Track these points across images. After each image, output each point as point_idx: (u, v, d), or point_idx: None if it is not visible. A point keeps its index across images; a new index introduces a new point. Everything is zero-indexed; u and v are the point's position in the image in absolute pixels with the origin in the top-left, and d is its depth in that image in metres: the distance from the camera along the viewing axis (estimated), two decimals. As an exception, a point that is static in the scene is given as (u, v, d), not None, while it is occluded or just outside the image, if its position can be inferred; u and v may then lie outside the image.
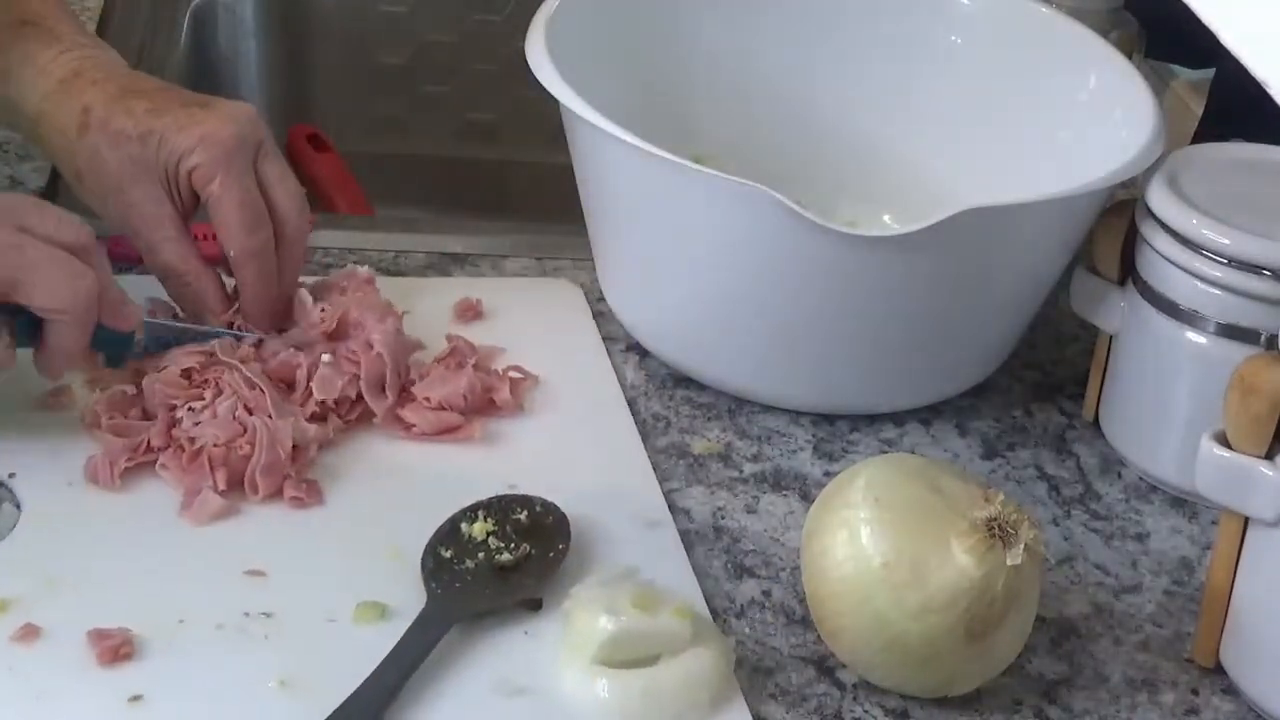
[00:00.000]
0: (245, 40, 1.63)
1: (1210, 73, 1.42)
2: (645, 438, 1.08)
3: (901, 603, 0.88)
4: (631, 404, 1.11)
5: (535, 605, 0.94)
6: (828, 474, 1.07)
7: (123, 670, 0.88)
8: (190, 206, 1.06)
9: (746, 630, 0.96)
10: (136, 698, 0.86)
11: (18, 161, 1.18)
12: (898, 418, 1.13)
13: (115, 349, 1.02)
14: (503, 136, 1.69)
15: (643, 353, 1.16)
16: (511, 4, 1.64)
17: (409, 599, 0.92)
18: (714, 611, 0.96)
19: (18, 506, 0.97)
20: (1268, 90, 0.67)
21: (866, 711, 0.92)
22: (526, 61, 1.10)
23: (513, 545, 0.95)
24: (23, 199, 0.99)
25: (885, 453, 1.10)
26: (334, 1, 1.66)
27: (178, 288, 1.06)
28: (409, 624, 0.90)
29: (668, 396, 1.13)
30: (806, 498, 1.05)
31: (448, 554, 0.95)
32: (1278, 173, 1.09)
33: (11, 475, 0.98)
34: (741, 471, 1.08)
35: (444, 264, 1.22)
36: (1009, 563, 0.88)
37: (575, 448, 1.07)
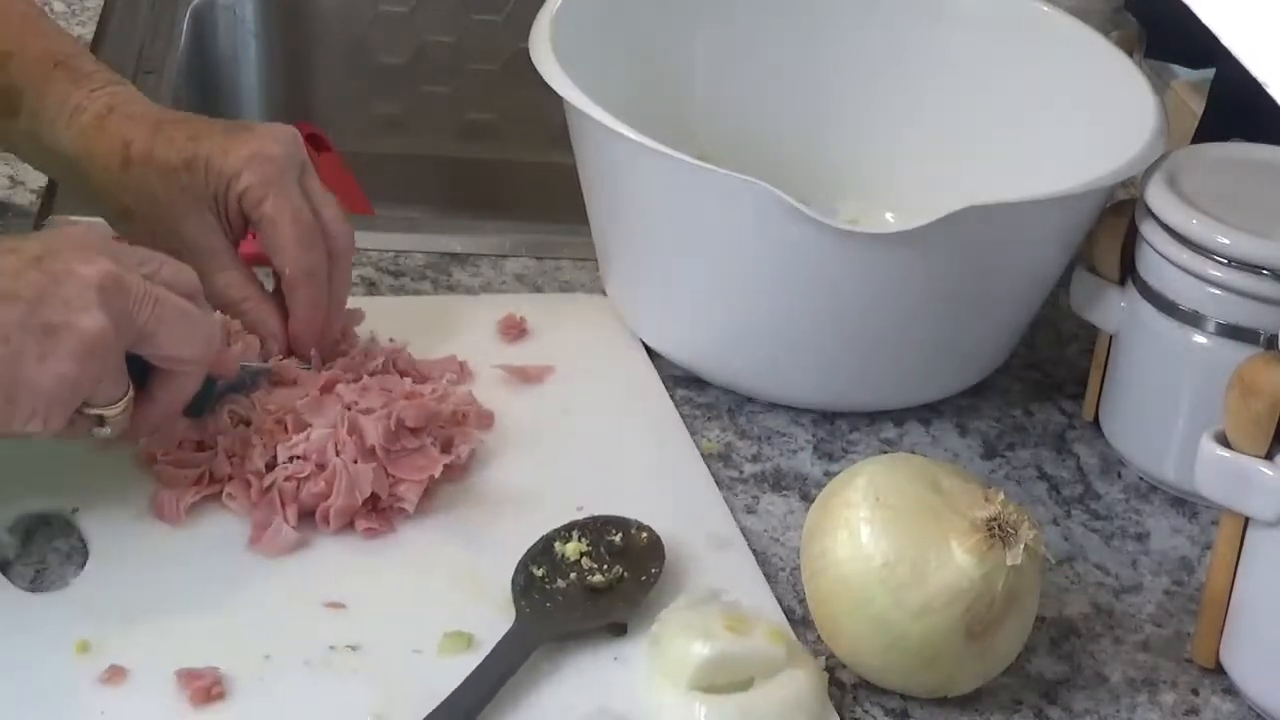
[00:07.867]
0: (245, 40, 1.62)
1: (1210, 73, 1.42)
2: (645, 437, 1.09)
3: (902, 603, 0.88)
4: (632, 404, 1.12)
5: (620, 630, 0.92)
6: (828, 474, 1.07)
7: (216, 711, 0.85)
8: (240, 231, 1.04)
9: (746, 630, 0.96)
10: None
11: (17, 160, 1.17)
12: (898, 418, 1.13)
13: (199, 399, 0.97)
14: (503, 136, 1.68)
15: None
16: (512, 4, 1.64)
17: (493, 628, 0.91)
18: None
19: (85, 543, 0.95)
20: (1268, 90, 0.67)
21: (866, 711, 0.92)
22: (527, 61, 1.10)
23: (605, 567, 0.94)
24: (124, 246, 0.94)
25: (885, 453, 1.10)
26: (334, 1, 1.66)
27: (236, 316, 1.03)
28: None
29: (668, 396, 1.13)
30: (806, 498, 1.05)
31: (539, 572, 0.94)
32: (1278, 173, 1.09)
33: (75, 510, 0.96)
34: (741, 471, 1.07)
35: (444, 264, 1.22)
36: (1009, 563, 0.88)
37: (637, 468, 1.05)
